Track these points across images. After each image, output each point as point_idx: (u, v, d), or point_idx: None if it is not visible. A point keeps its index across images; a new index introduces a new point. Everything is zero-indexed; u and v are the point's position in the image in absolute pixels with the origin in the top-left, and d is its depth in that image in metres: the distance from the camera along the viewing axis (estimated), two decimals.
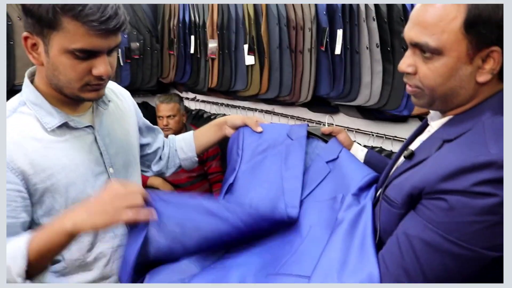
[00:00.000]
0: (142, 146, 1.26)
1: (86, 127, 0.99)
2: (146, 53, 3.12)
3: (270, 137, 1.18)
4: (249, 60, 2.44)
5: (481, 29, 0.71)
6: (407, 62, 0.80)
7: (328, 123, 2.23)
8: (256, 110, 2.70)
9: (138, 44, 3.05)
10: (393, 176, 0.85)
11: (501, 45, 0.72)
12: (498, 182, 0.66)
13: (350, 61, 1.96)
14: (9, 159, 0.88)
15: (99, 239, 1.03)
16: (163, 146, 1.34)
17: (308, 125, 1.20)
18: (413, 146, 0.89)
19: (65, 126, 0.96)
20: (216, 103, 3.02)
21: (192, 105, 3.24)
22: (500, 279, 0.77)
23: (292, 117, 2.46)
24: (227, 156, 1.24)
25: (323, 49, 2.04)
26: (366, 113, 2.02)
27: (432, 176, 0.72)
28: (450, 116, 0.82)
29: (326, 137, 1.15)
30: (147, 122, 1.29)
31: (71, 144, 0.96)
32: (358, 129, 2.10)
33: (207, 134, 1.33)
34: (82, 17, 0.82)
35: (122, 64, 2.96)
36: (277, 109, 2.57)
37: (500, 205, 0.66)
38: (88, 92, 0.92)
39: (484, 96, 0.78)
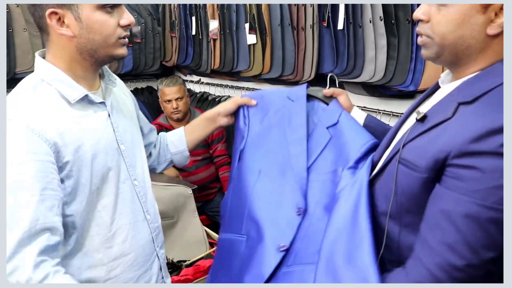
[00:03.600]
0: None
1: (100, 103, 1.02)
2: (148, 36, 3.10)
3: (272, 102, 1.23)
4: (251, 39, 2.40)
5: None
6: (422, 9, 0.83)
7: (330, 78, 2.17)
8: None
9: (139, 27, 3.02)
10: (407, 139, 0.85)
11: None
12: None
13: (353, 36, 1.90)
14: (41, 131, 0.87)
15: (117, 214, 1.03)
16: (155, 144, 1.34)
17: (308, 86, 1.22)
18: (422, 109, 0.89)
19: (84, 101, 0.98)
20: (220, 85, 2.99)
21: (197, 88, 3.21)
22: None
23: None
24: (234, 132, 1.28)
25: (325, 24, 1.99)
26: (372, 89, 1.95)
27: (459, 138, 0.72)
28: (464, 79, 0.82)
29: (327, 100, 1.18)
30: (145, 118, 1.30)
31: (92, 118, 0.99)
32: (364, 107, 2.03)
33: (198, 128, 1.34)
34: None
35: None
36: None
37: None
38: (120, 48, 0.99)
39: (496, 54, 0.78)
